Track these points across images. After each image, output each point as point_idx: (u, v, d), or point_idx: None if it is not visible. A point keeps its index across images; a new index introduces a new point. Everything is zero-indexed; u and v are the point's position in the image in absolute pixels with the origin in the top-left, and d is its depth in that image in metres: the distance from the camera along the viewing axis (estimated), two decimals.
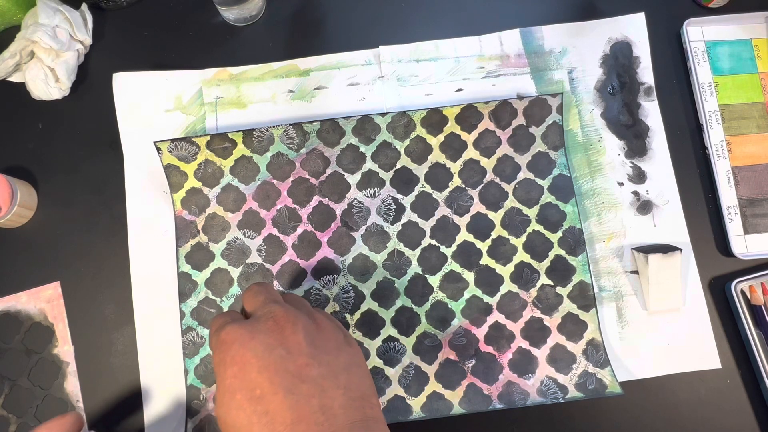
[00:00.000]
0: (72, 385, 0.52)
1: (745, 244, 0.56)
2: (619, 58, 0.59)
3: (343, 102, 0.58)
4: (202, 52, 0.60)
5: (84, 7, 0.59)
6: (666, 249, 0.53)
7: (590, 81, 0.59)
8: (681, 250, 0.53)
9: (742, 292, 0.54)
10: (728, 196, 0.57)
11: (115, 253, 0.55)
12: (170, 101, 0.58)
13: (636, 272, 0.55)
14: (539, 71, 0.59)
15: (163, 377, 0.53)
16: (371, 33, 0.60)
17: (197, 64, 0.59)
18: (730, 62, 0.60)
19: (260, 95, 0.58)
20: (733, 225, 0.56)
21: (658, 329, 0.54)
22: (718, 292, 0.55)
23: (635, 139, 0.58)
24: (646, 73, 0.59)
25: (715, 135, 0.58)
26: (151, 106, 0.58)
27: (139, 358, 0.53)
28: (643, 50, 0.59)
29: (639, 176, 0.57)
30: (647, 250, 0.54)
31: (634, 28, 0.60)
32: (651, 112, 0.58)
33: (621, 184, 0.57)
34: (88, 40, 0.58)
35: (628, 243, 0.56)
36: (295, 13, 0.61)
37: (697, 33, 0.60)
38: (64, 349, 0.53)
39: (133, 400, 0.52)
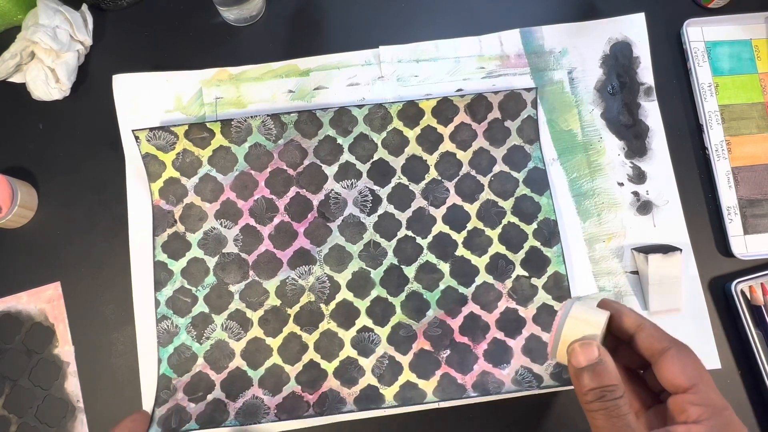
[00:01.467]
0: (72, 385, 0.52)
1: (744, 245, 0.56)
2: (619, 59, 0.59)
3: (343, 102, 0.58)
4: (202, 52, 0.60)
5: (84, 7, 0.59)
6: (666, 249, 0.53)
7: (590, 81, 0.59)
8: (681, 250, 0.53)
9: (742, 293, 0.54)
10: (728, 197, 0.57)
11: (115, 253, 0.55)
12: (170, 102, 0.58)
13: (636, 272, 0.55)
14: (539, 71, 0.59)
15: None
16: (371, 33, 0.60)
17: (197, 65, 0.59)
18: (730, 63, 0.60)
19: (260, 95, 0.58)
20: (733, 225, 0.56)
21: None
22: (718, 292, 0.55)
23: (635, 140, 0.58)
24: (645, 74, 0.59)
25: (715, 135, 0.58)
26: (152, 106, 0.58)
27: (138, 358, 0.53)
28: (643, 50, 0.59)
29: (639, 176, 0.57)
30: (647, 250, 0.54)
31: (634, 28, 0.60)
32: (651, 112, 0.58)
33: (621, 184, 0.57)
34: (89, 41, 0.58)
35: (628, 243, 0.56)
36: (295, 13, 0.61)
37: (697, 33, 0.60)
38: (65, 349, 0.53)
39: (133, 400, 0.52)
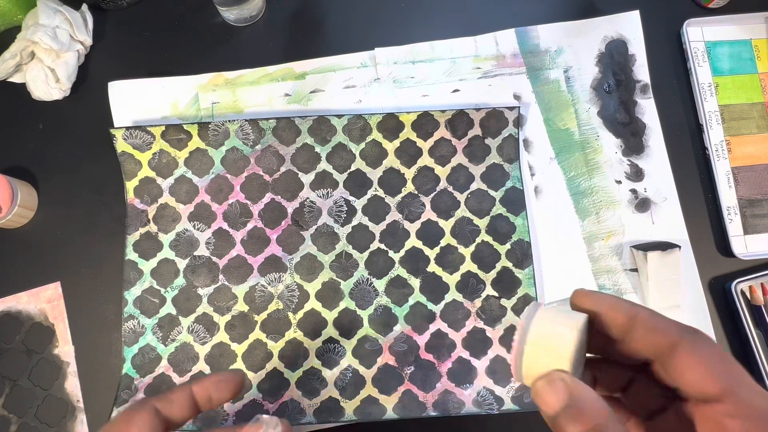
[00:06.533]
0: (72, 385, 0.53)
1: (744, 245, 0.56)
2: (615, 56, 0.59)
3: (340, 105, 0.58)
4: (202, 52, 0.60)
5: (84, 7, 0.59)
6: (665, 246, 0.53)
7: (586, 79, 0.59)
8: (680, 247, 0.53)
9: (742, 292, 0.54)
10: (728, 197, 0.56)
11: (115, 253, 0.55)
12: (167, 108, 0.58)
13: (635, 270, 0.55)
14: (535, 71, 0.59)
15: None
16: (367, 35, 0.60)
17: (197, 64, 0.59)
18: (730, 62, 0.60)
19: (256, 99, 0.58)
20: (733, 225, 0.56)
21: None
22: (718, 292, 0.55)
23: (632, 137, 0.58)
24: (641, 71, 0.59)
25: (714, 135, 0.58)
26: (148, 113, 0.58)
27: None
28: (638, 48, 0.59)
29: (636, 174, 0.57)
30: (646, 247, 0.54)
31: (629, 26, 0.60)
32: (647, 109, 0.58)
33: (619, 182, 0.57)
34: (89, 41, 0.59)
35: (627, 241, 0.55)
36: (295, 13, 0.61)
37: (697, 33, 0.60)
38: (65, 349, 0.53)
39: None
